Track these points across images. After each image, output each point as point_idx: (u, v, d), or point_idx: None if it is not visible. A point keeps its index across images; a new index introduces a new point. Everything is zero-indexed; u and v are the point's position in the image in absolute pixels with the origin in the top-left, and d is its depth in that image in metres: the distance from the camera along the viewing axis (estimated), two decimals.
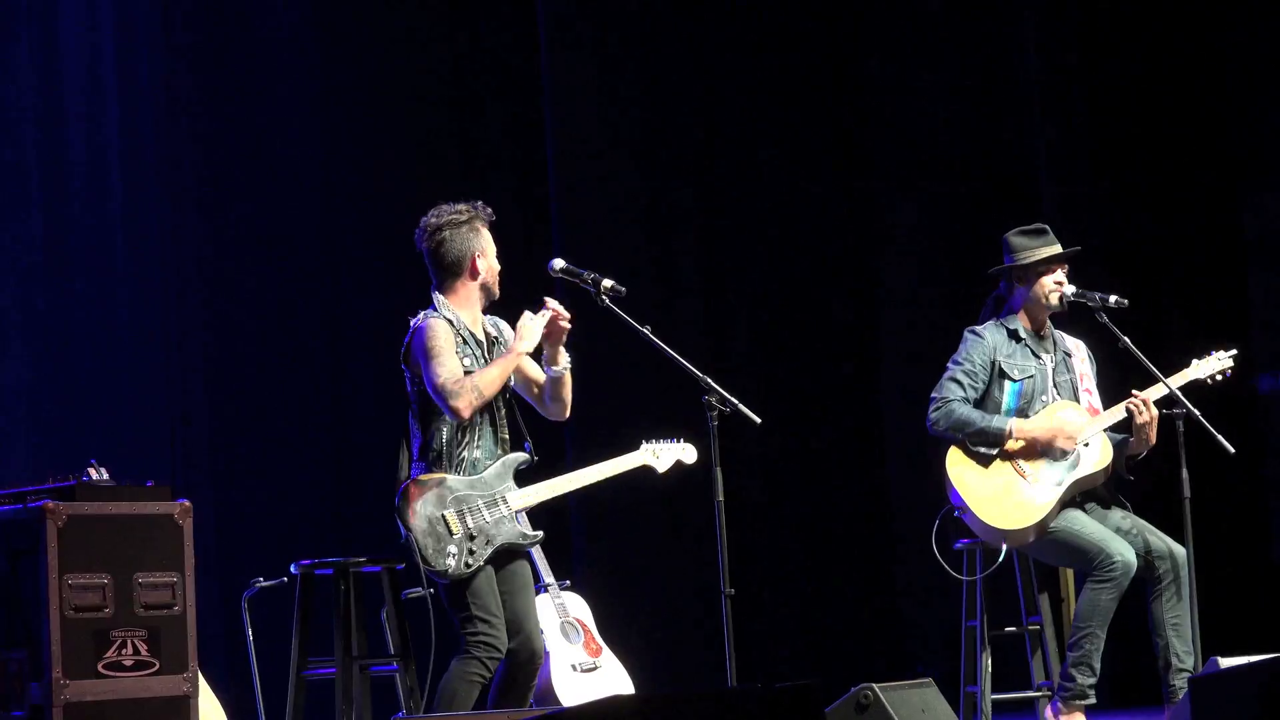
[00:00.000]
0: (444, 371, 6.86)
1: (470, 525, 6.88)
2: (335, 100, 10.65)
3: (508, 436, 7.07)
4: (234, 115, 10.38)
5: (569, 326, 6.96)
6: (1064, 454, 7.69)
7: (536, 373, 7.10)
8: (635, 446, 7.50)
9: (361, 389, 10.21)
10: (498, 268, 7.08)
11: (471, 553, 6.86)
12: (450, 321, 6.97)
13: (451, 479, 6.92)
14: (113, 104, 9.97)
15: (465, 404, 6.84)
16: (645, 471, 7.49)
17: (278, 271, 10.43)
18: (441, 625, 6.94)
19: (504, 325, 7.17)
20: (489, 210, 7.13)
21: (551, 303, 6.96)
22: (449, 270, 7.05)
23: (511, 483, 7.02)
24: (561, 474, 7.32)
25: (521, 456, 7.07)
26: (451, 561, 6.83)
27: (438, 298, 7.06)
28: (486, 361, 6.98)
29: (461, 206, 7.09)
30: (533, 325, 6.93)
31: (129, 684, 6.42)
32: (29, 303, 9.74)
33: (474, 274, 7.04)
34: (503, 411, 7.06)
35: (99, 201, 9.94)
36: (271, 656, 8.15)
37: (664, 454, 7.51)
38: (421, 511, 6.84)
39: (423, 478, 6.92)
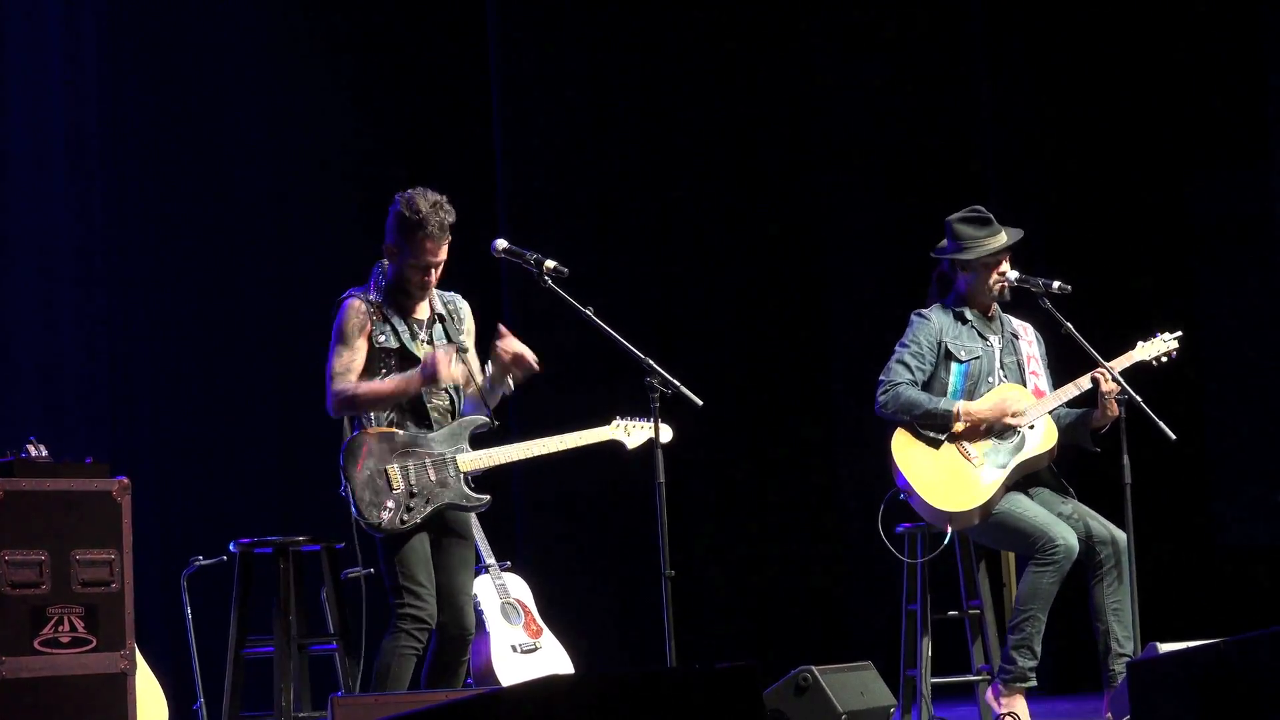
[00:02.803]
0: (337, 363, 6.85)
1: (413, 482, 6.81)
2: (283, 85, 10.61)
3: (441, 415, 6.95)
4: (177, 94, 10.33)
5: (536, 367, 6.89)
6: (1011, 432, 7.68)
7: (475, 372, 7.01)
8: (602, 421, 7.35)
9: (306, 368, 10.08)
10: (419, 278, 6.86)
11: (409, 509, 6.79)
12: (371, 301, 6.89)
13: (400, 434, 6.85)
14: (56, 83, 9.87)
15: (334, 404, 6.84)
16: (614, 446, 7.31)
17: (223, 249, 10.38)
18: (373, 606, 6.91)
19: (461, 303, 7.09)
20: (446, 219, 6.83)
21: (516, 344, 6.90)
22: (386, 249, 6.95)
23: (464, 445, 6.92)
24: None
25: (479, 420, 6.98)
26: (386, 515, 6.76)
27: (380, 264, 6.97)
28: (414, 339, 6.90)
29: (428, 204, 6.82)
30: (443, 367, 6.79)
31: (66, 661, 6.38)
32: None
33: (386, 257, 6.95)
34: (439, 390, 6.93)
35: (41, 179, 9.83)
36: (210, 635, 8.09)
37: (636, 432, 7.32)
38: (366, 464, 6.79)
39: (372, 430, 6.85)
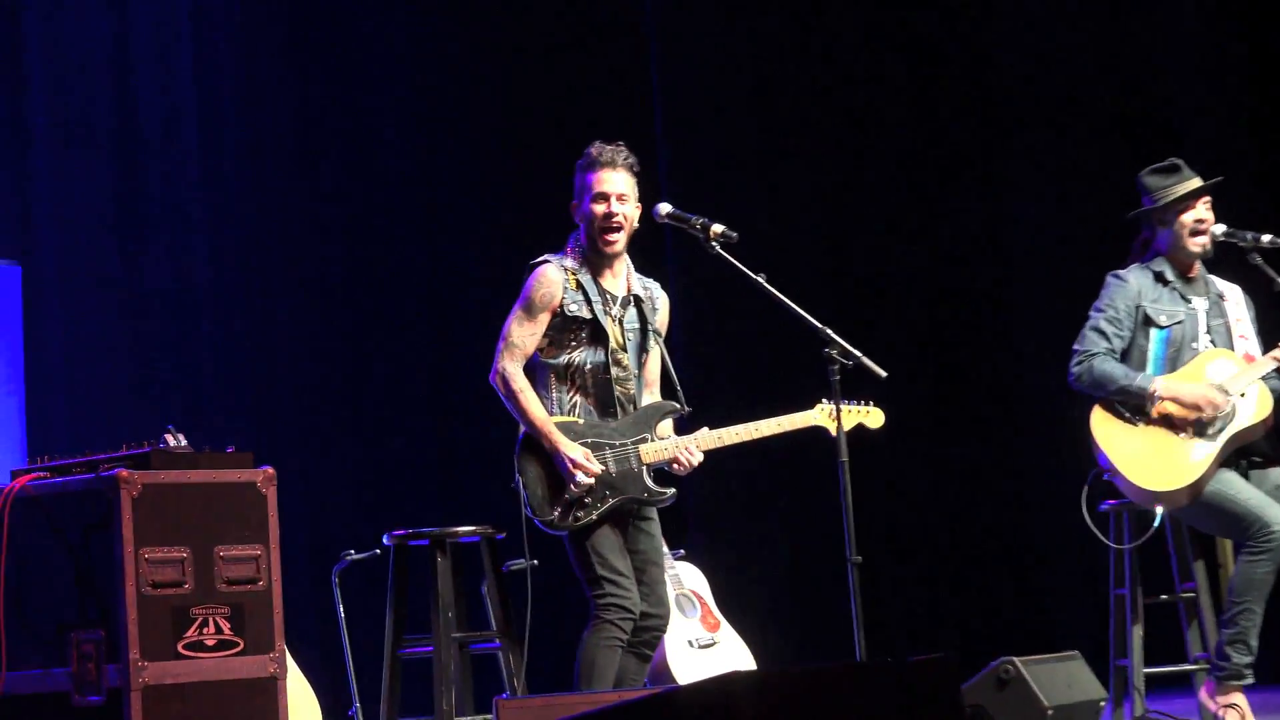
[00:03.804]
0: (515, 332, 6.66)
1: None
2: (431, 51, 10.58)
3: (627, 401, 6.72)
4: (318, 64, 10.36)
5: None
6: (1212, 424, 7.27)
7: (653, 369, 6.83)
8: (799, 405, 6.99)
9: (461, 349, 10.21)
10: (600, 211, 6.66)
11: (584, 505, 6.57)
12: (565, 268, 6.68)
13: (580, 424, 6.65)
14: (187, 53, 9.94)
15: (496, 376, 6.65)
16: (818, 432, 6.93)
17: (371, 229, 10.36)
18: (540, 600, 6.72)
19: (660, 293, 6.89)
20: (618, 154, 6.73)
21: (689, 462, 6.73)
22: (572, 207, 6.80)
23: (650, 434, 6.70)
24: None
25: (668, 405, 6.76)
26: (559, 512, 6.57)
27: (576, 235, 6.78)
28: (605, 313, 6.65)
29: (602, 144, 6.76)
30: (579, 476, 6.55)
31: (211, 665, 6.17)
32: (103, 262, 9.62)
33: (575, 220, 6.77)
34: (627, 373, 6.72)
35: (175, 155, 9.88)
36: (365, 634, 8.10)
37: (845, 416, 6.83)
38: (542, 459, 6.60)
39: (552, 421, 6.64)
